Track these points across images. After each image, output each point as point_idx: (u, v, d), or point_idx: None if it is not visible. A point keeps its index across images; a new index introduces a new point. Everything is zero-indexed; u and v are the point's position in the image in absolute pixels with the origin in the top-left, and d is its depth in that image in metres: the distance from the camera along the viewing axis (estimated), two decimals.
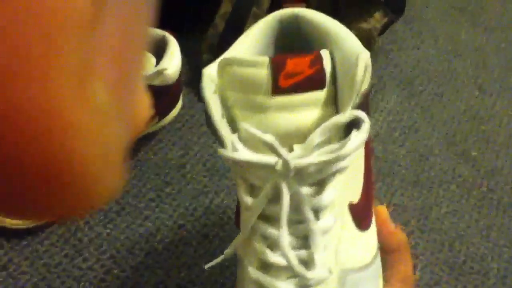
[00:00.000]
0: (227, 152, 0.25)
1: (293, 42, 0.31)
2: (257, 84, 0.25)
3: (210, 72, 0.27)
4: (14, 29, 0.07)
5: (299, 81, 0.25)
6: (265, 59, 0.25)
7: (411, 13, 0.78)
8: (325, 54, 0.26)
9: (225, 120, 0.26)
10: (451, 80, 0.70)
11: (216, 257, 0.30)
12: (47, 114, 0.07)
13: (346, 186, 0.27)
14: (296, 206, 0.26)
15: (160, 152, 0.54)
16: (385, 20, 0.65)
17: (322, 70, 0.25)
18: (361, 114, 0.25)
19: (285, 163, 0.24)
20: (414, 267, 0.49)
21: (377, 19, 0.64)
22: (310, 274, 0.26)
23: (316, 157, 0.24)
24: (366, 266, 0.29)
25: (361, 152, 0.29)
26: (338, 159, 0.24)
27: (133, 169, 0.52)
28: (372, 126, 0.63)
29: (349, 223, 0.28)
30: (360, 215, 0.29)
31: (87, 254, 0.45)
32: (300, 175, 0.25)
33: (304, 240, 0.26)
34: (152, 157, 0.54)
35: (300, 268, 0.25)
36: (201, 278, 0.45)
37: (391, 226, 0.32)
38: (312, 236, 0.26)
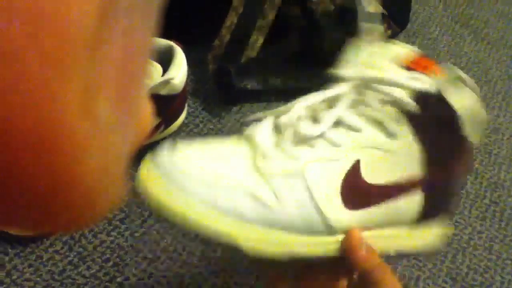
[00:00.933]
0: (338, 70, 0.34)
1: None
2: (397, 56, 0.33)
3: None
4: (20, 52, 0.07)
5: (415, 70, 0.32)
6: (416, 48, 0.34)
7: (413, 26, 0.79)
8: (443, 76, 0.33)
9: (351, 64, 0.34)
10: None
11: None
12: (53, 133, 0.08)
13: (369, 154, 0.31)
14: (333, 104, 0.32)
15: None
16: (389, 32, 0.66)
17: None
18: (429, 81, 0.32)
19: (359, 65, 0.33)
20: (417, 279, 0.49)
21: (380, 32, 0.65)
22: (301, 128, 0.31)
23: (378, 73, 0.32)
24: (316, 207, 0.30)
25: (413, 168, 0.32)
26: (384, 80, 0.30)
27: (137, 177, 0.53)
28: None
29: (338, 175, 0.30)
30: (355, 190, 0.30)
31: (91, 262, 0.46)
32: (360, 95, 0.32)
33: (314, 120, 0.32)
34: None
35: (296, 120, 0.31)
36: (205, 287, 0.45)
37: (360, 251, 0.31)
38: (318, 126, 0.31)
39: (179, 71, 0.51)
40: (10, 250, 0.45)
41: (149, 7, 0.10)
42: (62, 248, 0.46)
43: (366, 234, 0.31)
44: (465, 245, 0.53)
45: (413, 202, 0.33)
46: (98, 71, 0.08)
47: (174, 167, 0.29)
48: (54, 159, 0.08)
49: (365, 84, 0.32)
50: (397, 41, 0.35)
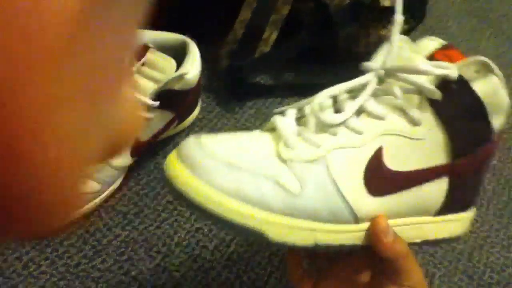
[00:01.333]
0: (368, 63, 0.34)
1: None
2: (424, 49, 0.34)
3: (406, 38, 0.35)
4: None
5: (444, 60, 0.32)
6: (444, 42, 0.35)
7: (430, 21, 0.78)
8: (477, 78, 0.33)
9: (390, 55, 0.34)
10: None
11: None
12: (13, 139, 0.07)
13: (392, 141, 0.31)
14: (354, 96, 0.32)
15: None
16: (405, 27, 0.65)
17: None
18: (453, 67, 0.31)
19: (386, 54, 0.32)
20: (433, 276, 0.48)
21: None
22: (323, 116, 0.31)
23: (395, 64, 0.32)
24: (339, 194, 0.30)
25: (437, 153, 0.32)
26: (407, 68, 0.31)
27: (152, 172, 0.53)
28: None
29: (361, 162, 0.30)
30: (379, 177, 0.30)
31: (105, 256, 0.46)
32: (383, 85, 0.32)
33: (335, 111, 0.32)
34: None
35: (318, 108, 0.32)
36: (218, 282, 0.46)
37: (386, 239, 0.30)
38: (340, 114, 0.31)
39: (193, 66, 0.51)
40: (27, 243, 0.46)
41: (129, 15, 0.09)
42: (77, 241, 0.47)
43: (391, 222, 0.31)
44: (482, 242, 0.52)
45: (438, 190, 0.33)
46: (64, 85, 0.08)
47: (199, 156, 0.29)
48: (12, 166, 0.08)
49: (388, 74, 0.32)
50: (426, 37, 0.36)
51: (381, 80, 0.32)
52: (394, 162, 0.31)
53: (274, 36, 0.59)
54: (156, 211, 0.50)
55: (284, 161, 0.30)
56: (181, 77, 0.49)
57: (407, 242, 0.32)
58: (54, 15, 0.07)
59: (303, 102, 0.34)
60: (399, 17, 0.32)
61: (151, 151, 0.54)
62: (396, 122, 0.31)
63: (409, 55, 0.33)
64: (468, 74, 0.31)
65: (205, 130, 0.58)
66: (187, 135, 0.57)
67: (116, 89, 0.10)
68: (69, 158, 0.08)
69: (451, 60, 0.32)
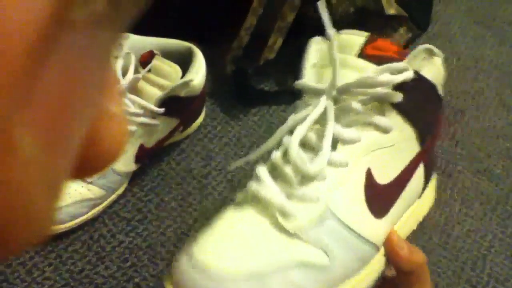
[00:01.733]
0: (299, 82, 0.32)
1: None
2: (351, 46, 0.32)
3: (320, 38, 0.34)
4: None
5: (380, 56, 0.31)
6: (366, 33, 0.33)
7: (434, 28, 0.78)
8: (408, 60, 0.31)
9: (314, 69, 0.33)
10: (474, 96, 0.70)
11: None
12: None
13: (376, 156, 0.30)
14: (321, 129, 0.30)
15: (182, 162, 0.55)
16: (409, 35, 0.65)
17: (401, 60, 0.31)
18: (409, 67, 0.30)
19: (334, 71, 0.30)
20: (436, 286, 0.48)
21: (401, 34, 0.64)
22: (303, 166, 0.28)
23: (355, 79, 0.30)
24: (355, 234, 0.29)
25: (410, 146, 0.32)
26: (366, 83, 0.29)
27: (156, 178, 0.53)
28: None
29: (359, 188, 0.30)
30: (377, 197, 0.30)
31: (109, 262, 0.46)
32: (339, 105, 0.30)
33: (312, 156, 0.30)
34: (174, 167, 0.54)
35: (299, 161, 0.29)
36: None
37: (402, 251, 0.30)
38: (320, 153, 0.29)
39: (198, 73, 0.51)
40: (30, 248, 0.46)
41: (105, 34, 0.09)
42: (81, 247, 0.47)
43: (395, 227, 0.32)
44: (485, 252, 0.52)
45: (419, 177, 0.34)
46: (23, 107, 0.07)
47: (211, 285, 0.26)
48: None
49: (343, 90, 0.30)
50: (343, 31, 0.34)
51: (335, 100, 0.31)
52: (382, 175, 0.31)
53: (279, 43, 0.59)
54: (159, 218, 0.50)
55: (292, 234, 0.28)
56: (186, 84, 0.49)
57: (410, 232, 0.33)
58: (7, 40, 0.07)
59: (260, 151, 0.31)
60: (331, 32, 0.30)
61: (155, 158, 0.54)
62: (371, 138, 0.31)
63: (342, 57, 0.31)
64: (417, 64, 0.32)
65: (209, 137, 0.58)
66: (191, 141, 0.57)
67: (86, 115, 0.09)
68: (36, 182, 0.08)
69: (383, 51, 0.32)
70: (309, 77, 0.33)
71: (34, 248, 0.46)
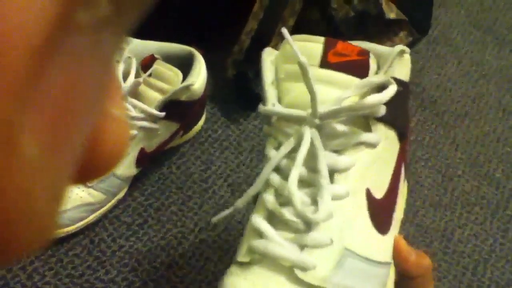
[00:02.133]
0: (267, 107, 0.29)
1: None
2: (309, 56, 0.28)
3: (271, 50, 0.31)
4: None
5: (345, 62, 0.29)
6: (322, 38, 0.29)
7: (434, 33, 0.78)
8: (372, 57, 0.29)
9: (273, 86, 0.30)
10: (475, 100, 0.70)
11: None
12: None
13: (369, 171, 0.29)
14: (313, 162, 0.28)
15: (182, 166, 0.55)
16: (410, 39, 0.65)
17: (367, 62, 0.29)
18: (392, 80, 0.28)
19: (314, 101, 0.27)
20: None
21: (401, 38, 0.64)
22: (312, 215, 0.26)
23: (339, 106, 0.27)
24: (373, 262, 0.28)
25: (394, 150, 0.30)
26: (353, 109, 0.27)
27: (156, 182, 0.53)
28: None
29: (363, 211, 0.28)
30: (379, 213, 0.29)
31: (109, 267, 0.46)
32: (324, 131, 0.28)
33: (314, 200, 0.28)
34: (175, 171, 0.54)
35: (304, 209, 0.26)
36: None
37: (411, 257, 0.30)
38: (322, 192, 0.27)
39: (199, 77, 0.51)
40: (33, 253, 0.46)
41: (108, 41, 0.09)
42: (81, 252, 0.46)
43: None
44: (486, 256, 0.52)
45: (403, 178, 0.33)
46: (26, 110, 0.07)
47: None
48: None
49: (325, 116, 0.28)
50: (295, 37, 0.30)
51: (317, 127, 0.28)
52: (378, 189, 0.30)
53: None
54: (160, 222, 0.50)
55: (317, 287, 0.26)
56: (187, 88, 0.49)
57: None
58: (11, 45, 0.07)
59: (247, 197, 0.29)
60: (303, 60, 0.27)
61: (156, 162, 0.54)
62: (364, 158, 0.29)
63: (318, 73, 0.28)
64: (392, 68, 0.30)
65: (209, 141, 0.58)
66: (191, 146, 0.57)
67: (92, 114, 0.09)
68: (38, 186, 0.08)
69: (346, 55, 0.29)
70: (271, 98, 0.30)
71: (36, 253, 0.45)
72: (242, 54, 0.59)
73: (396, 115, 0.30)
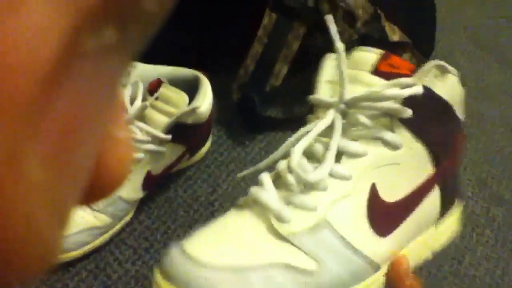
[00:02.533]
0: (314, 96, 0.33)
1: None
2: (365, 63, 0.32)
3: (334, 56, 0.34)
4: None
5: (394, 73, 0.31)
6: (381, 50, 0.33)
7: (438, 53, 0.79)
8: (425, 71, 0.32)
9: (327, 84, 0.33)
10: (480, 121, 0.70)
11: None
12: None
13: (382, 172, 0.30)
14: (327, 142, 0.30)
15: (189, 189, 0.55)
16: (413, 61, 0.65)
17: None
18: (418, 83, 0.29)
19: (342, 85, 0.30)
20: None
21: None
22: (307, 176, 0.28)
23: (361, 92, 0.29)
24: (350, 246, 0.28)
25: (421, 167, 0.31)
26: (373, 97, 0.29)
27: (163, 206, 0.53)
28: None
29: (361, 203, 0.29)
30: (382, 214, 0.29)
31: None
32: (347, 118, 0.30)
33: (316, 166, 0.30)
34: (181, 194, 0.54)
35: (299, 170, 0.29)
36: None
37: (406, 281, 0.30)
38: (323, 164, 0.29)
39: (204, 100, 0.51)
40: (36, 278, 0.45)
41: (111, 70, 0.09)
42: (87, 276, 0.46)
43: (404, 251, 0.31)
44: (499, 280, 0.51)
45: (433, 200, 0.33)
46: (32, 135, 0.07)
47: (196, 272, 0.26)
48: None
49: (349, 105, 0.31)
50: (358, 48, 0.34)
51: (344, 113, 0.31)
52: (389, 193, 0.30)
53: (284, 70, 0.60)
54: (166, 246, 0.49)
55: (284, 238, 0.28)
56: (193, 111, 0.49)
57: (421, 261, 0.32)
58: (20, 73, 0.07)
59: (270, 159, 0.32)
60: (339, 45, 0.31)
61: (162, 185, 0.54)
62: (378, 153, 0.30)
63: (360, 76, 0.31)
64: (428, 80, 0.31)
65: (215, 164, 0.58)
66: (198, 169, 0.57)
67: (97, 137, 0.09)
68: (43, 210, 0.08)
69: (396, 68, 0.32)
70: (323, 92, 0.33)
71: (42, 278, 0.45)
72: (247, 77, 0.60)
73: (426, 128, 0.31)
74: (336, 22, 0.62)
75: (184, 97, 0.49)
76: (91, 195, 0.10)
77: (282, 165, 0.31)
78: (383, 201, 0.30)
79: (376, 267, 0.30)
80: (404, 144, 0.30)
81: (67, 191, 0.09)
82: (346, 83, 0.30)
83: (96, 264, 0.47)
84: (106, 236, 0.48)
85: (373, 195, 0.29)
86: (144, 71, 0.50)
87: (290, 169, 0.30)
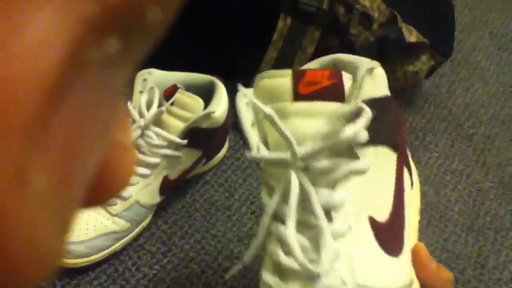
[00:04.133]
0: (252, 153, 0.28)
1: None
2: (281, 91, 0.27)
3: (245, 90, 0.29)
4: None
5: (318, 90, 0.27)
6: (289, 71, 0.28)
7: (458, 55, 0.77)
8: (346, 75, 0.28)
9: (255, 128, 0.29)
10: (504, 122, 0.68)
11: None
12: None
13: (367, 197, 0.27)
14: (307, 204, 0.26)
15: (206, 194, 0.55)
16: (432, 62, 0.64)
17: (340, 83, 0.27)
18: (363, 105, 0.26)
19: (291, 146, 0.26)
20: None
21: (423, 62, 0.64)
22: (316, 268, 0.25)
23: (318, 143, 0.26)
24: None
25: (389, 163, 0.29)
26: (333, 145, 0.25)
27: (180, 210, 0.53)
28: (422, 169, 0.61)
29: (370, 241, 0.27)
30: (387, 237, 0.28)
31: None
32: (310, 171, 0.26)
33: (316, 243, 0.27)
34: (198, 199, 0.54)
35: (305, 262, 0.25)
36: None
37: (432, 265, 0.30)
38: (323, 236, 0.26)
39: (220, 105, 0.52)
40: (57, 282, 0.46)
41: (113, 82, 0.09)
42: (106, 281, 0.47)
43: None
44: None
45: (407, 182, 0.31)
46: (37, 150, 0.07)
47: None
48: None
49: (306, 157, 0.26)
50: (263, 75, 0.29)
51: (303, 169, 0.27)
52: (381, 211, 0.28)
53: None
54: (183, 250, 0.50)
55: None
56: (208, 115, 0.49)
57: (417, 226, 0.32)
58: (24, 86, 0.07)
59: (252, 251, 0.28)
60: (268, 111, 0.27)
61: (179, 190, 0.54)
62: (357, 188, 0.27)
63: (279, 107, 0.27)
64: (363, 88, 0.28)
65: (232, 168, 0.58)
66: (214, 173, 0.57)
67: (101, 146, 0.09)
68: (45, 220, 0.08)
69: (316, 83, 0.27)
70: (255, 142, 0.28)
71: (44, 283, 0.46)
72: None
73: (382, 133, 0.28)
74: (352, 24, 0.62)
75: (199, 102, 0.50)
76: (94, 198, 0.10)
77: (274, 251, 0.27)
78: (382, 225, 0.28)
79: (410, 284, 0.29)
80: (371, 159, 0.28)
81: (70, 199, 0.09)
82: (293, 142, 0.26)
83: (115, 268, 0.48)
84: (125, 241, 0.49)
85: (374, 226, 0.28)
86: (160, 77, 0.50)
87: (287, 252, 0.27)
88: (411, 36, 0.61)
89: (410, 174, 0.33)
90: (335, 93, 0.27)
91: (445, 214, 0.56)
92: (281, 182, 0.27)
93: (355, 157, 0.27)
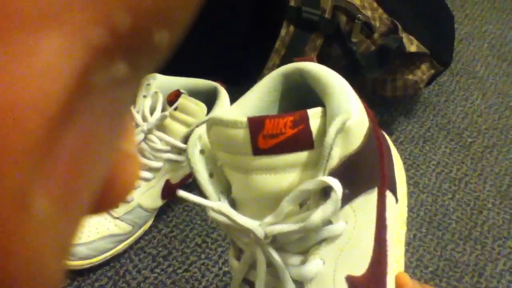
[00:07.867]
0: (212, 214, 0.25)
1: (298, 97, 0.28)
2: (238, 144, 0.24)
3: (200, 132, 0.26)
4: None
5: (281, 142, 0.23)
6: (243, 120, 0.23)
7: (458, 65, 0.78)
8: (314, 112, 0.24)
9: (214, 179, 0.26)
10: (502, 132, 0.69)
11: None
12: None
13: (344, 257, 0.25)
14: (278, 274, 0.24)
15: None
16: (432, 72, 0.65)
17: (307, 130, 0.23)
18: (332, 182, 0.22)
19: (255, 228, 0.23)
20: None
21: (423, 71, 0.65)
22: None
23: (285, 226, 0.23)
24: None
25: (370, 221, 0.26)
26: (304, 230, 0.22)
27: (181, 214, 0.54)
28: (420, 177, 0.61)
29: None
30: (369, 286, 0.26)
31: None
32: (277, 242, 0.24)
33: None
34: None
35: None
36: None
37: None
38: None
39: (222, 110, 0.52)
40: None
41: (115, 108, 0.09)
42: (107, 283, 0.47)
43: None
44: None
45: (391, 205, 0.28)
46: (39, 174, 0.07)
47: None
48: None
49: (270, 235, 0.24)
50: (211, 118, 0.25)
51: (272, 240, 0.24)
52: (360, 266, 0.26)
53: None
54: (184, 254, 0.50)
55: None
56: None
57: (403, 238, 0.30)
58: (29, 111, 0.07)
59: None
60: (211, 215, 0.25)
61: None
62: (332, 252, 0.25)
63: (237, 160, 0.24)
64: (338, 147, 0.24)
65: None
66: None
67: (105, 165, 0.09)
68: (48, 242, 0.08)
69: (277, 134, 0.23)
70: (213, 196, 0.25)
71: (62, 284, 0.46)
72: None
73: (361, 185, 0.25)
74: (353, 33, 0.63)
75: (202, 107, 0.50)
76: (98, 206, 0.10)
77: None
78: (359, 278, 0.26)
79: None
80: (346, 219, 0.25)
81: (73, 220, 0.09)
82: (255, 230, 0.23)
83: (116, 271, 0.48)
84: (126, 244, 0.49)
85: (352, 283, 0.25)
86: (163, 83, 0.51)
87: None
88: (412, 46, 0.62)
89: (394, 192, 0.29)
90: (302, 142, 0.23)
91: (443, 222, 0.56)
92: (247, 249, 0.24)
93: (328, 223, 0.24)
